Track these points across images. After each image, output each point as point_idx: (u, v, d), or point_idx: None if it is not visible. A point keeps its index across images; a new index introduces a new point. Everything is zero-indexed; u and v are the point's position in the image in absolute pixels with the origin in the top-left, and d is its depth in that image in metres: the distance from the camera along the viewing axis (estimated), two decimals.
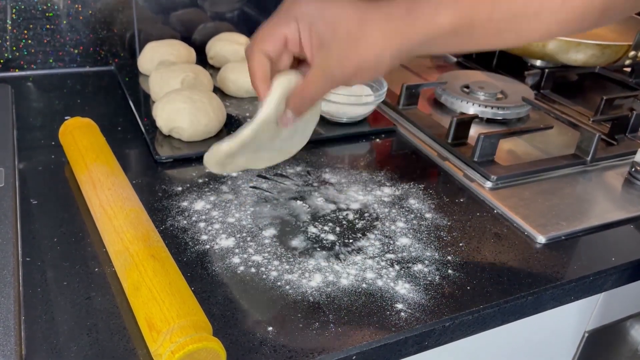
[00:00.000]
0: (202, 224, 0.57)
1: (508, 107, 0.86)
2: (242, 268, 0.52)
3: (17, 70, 0.87)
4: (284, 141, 0.52)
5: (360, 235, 0.58)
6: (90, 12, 0.88)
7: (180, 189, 0.63)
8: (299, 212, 0.61)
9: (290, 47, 0.47)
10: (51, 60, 0.89)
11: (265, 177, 0.66)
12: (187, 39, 0.96)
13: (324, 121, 0.79)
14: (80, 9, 0.87)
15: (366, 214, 0.62)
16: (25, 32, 0.85)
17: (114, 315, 0.46)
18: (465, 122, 0.77)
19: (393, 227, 0.60)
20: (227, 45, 0.92)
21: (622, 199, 0.70)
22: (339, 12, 0.44)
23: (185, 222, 0.57)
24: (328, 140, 0.76)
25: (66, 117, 0.69)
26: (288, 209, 0.61)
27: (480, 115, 0.85)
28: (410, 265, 0.54)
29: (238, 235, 0.56)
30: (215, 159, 0.50)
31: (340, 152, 0.75)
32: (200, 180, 0.64)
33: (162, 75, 0.79)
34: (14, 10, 0.83)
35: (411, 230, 0.59)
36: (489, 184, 0.68)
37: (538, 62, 1.04)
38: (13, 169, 0.61)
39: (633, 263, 0.59)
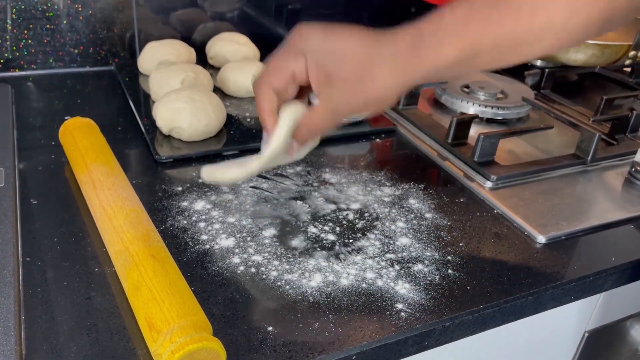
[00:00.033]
0: (202, 224, 0.57)
1: (508, 107, 0.86)
2: (242, 268, 0.52)
3: (17, 70, 0.87)
4: (281, 158, 0.54)
5: (360, 235, 0.58)
6: (90, 12, 0.88)
7: (180, 188, 0.63)
8: (299, 212, 0.61)
9: (297, 80, 0.48)
10: (51, 60, 0.89)
11: (265, 177, 0.66)
12: (187, 39, 0.96)
13: None
14: (80, 9, 0.87)
15: (366, 214, 0.62)
16: (25, 32, 0.85)
17: (114, 315, 0.46)
18: (465, 122, 0.77)
19: (393, 227, 0.60)
20: (227, 45, 0.92)
21: (622, 199, 0.70)
22: (346, 49, 0.45)
23: (185, 222, 0.57)
24: (328, 140, 0.76)
25: (66, 117, 0.69)
26: (288, 209, 0.61)
27: (480, 115, 0.85)
28: (410, 265, 0.54)
29: (238, 235, 0.56)
30: (216, 180, 0.53)
31: (341, 152, 0.75)
32: (200, 180, 0.64)
33: (162, 75, 0.78)
34: (14, 10, 0.83)
35: (411, 230, 0.59)
36: (489, 184, 0.68)
37: (538, 62, 1.04)
38: (13, 169, 0.61)
39: (633, 263, 0.59)
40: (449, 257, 0.56)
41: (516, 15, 0.42)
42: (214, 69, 0.92)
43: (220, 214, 0.59)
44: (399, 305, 0.49)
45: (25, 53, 0.87)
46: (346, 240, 0.57)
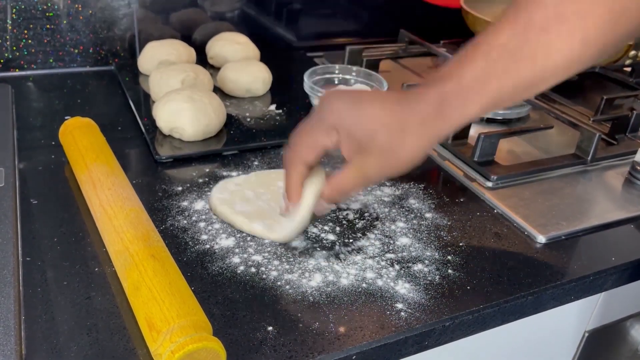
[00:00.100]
0: (202, 224, 0.57)
1: (508, 106, 0.86)
2: (242, 268, 0.52)
3: (17, 70, 0.87)
4: (307, 222, 0.55)
5: (360, 235, 0.58)
6: (90, 12, 0.88)
7: (180, 188, 0.63)
8: None
9: (327, 151, 0.50)
10: (51, 60, 0.89)
11: None
12: (187, 39, 0.96)
13: None
14: (80, 9, 0.87)
15: (366, 214, 0.62)
16: (26, 32, 0.85)
17: (114, 315, 0.46)
18: None
19: (393, 227, 0.60)
20: (227, 45, 0.92)
21: (622, 198, 0.70)
22: (376, 121, 0.46)
23: (185, 221, 0.57)
24: None
25: (66, 117, 0.69)
26: None
27: None
28: (410, 265, 0.54)
29: (238, 235, 0.56)
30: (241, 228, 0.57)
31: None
32: (200, 180, 0.64)
33: (162, 75, 0.78)
34: (14, 10, 0.83)
35: (411, 230, 0.59)
36: (489, 184, 0.68)
37: None
38: (13, 169, 0.61)
39: (633, 263, 0.59)
40: (449, 257, 0.56)
41: (532, 63, 0.43)
42: (214, 69, 0.92)
43: None
44: (399, 305, 0.49)
45: (25, 53, 0.87)
46: (346, 240, 0.57)
